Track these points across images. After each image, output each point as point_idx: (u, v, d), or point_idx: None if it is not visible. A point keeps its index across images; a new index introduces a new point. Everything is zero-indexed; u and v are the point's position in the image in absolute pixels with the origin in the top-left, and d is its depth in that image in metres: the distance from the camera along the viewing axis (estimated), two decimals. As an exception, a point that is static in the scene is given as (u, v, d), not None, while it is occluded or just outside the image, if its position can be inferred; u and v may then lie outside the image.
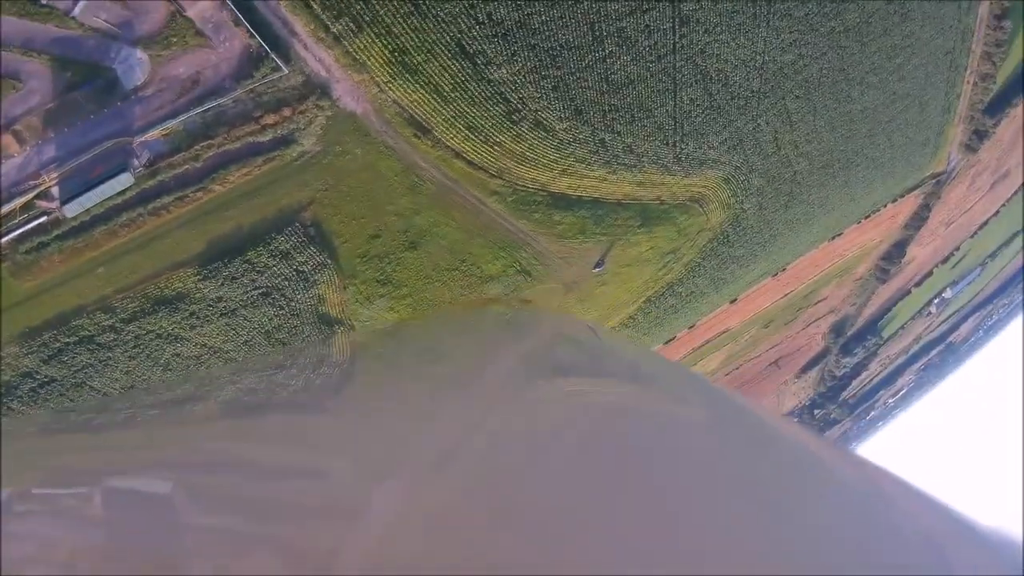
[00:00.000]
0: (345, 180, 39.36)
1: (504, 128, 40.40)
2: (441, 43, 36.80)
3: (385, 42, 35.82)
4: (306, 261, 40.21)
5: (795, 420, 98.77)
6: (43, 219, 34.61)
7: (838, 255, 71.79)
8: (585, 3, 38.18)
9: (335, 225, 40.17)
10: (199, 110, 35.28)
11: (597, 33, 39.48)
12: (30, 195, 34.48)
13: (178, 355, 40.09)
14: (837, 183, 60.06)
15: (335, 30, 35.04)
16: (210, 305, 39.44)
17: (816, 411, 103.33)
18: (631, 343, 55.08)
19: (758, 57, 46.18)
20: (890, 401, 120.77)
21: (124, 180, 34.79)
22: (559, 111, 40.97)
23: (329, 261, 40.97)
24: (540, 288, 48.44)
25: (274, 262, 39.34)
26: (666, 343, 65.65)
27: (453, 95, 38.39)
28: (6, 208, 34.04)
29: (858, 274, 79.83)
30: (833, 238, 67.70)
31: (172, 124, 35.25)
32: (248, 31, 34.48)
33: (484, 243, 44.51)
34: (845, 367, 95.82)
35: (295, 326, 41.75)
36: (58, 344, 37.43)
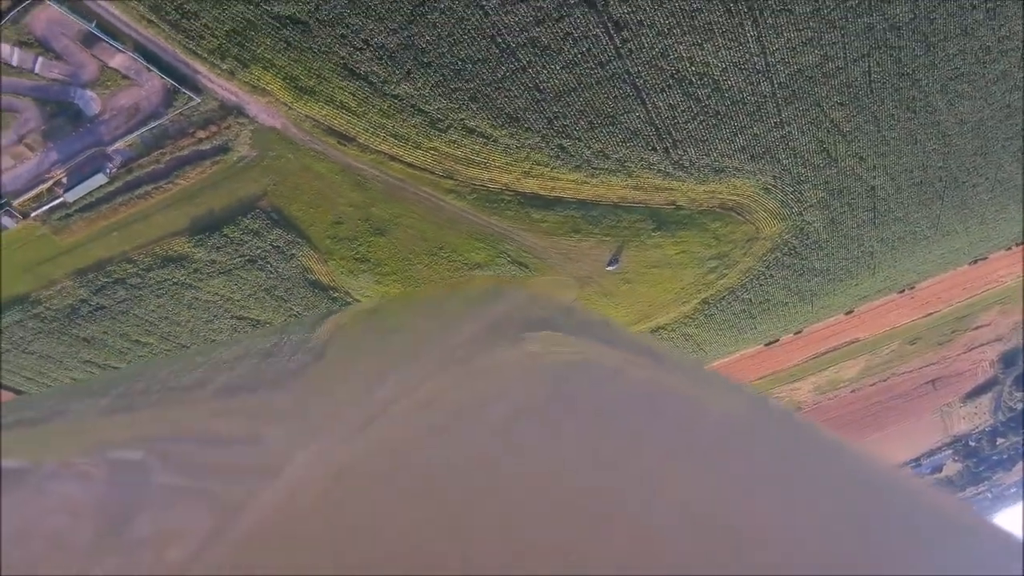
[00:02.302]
0: (289, 178, 48.12)
1: (432, 136, 45.20)
2: (327, 69, 42.60)
3: (273, 73, 43.14)
4: (277, 239, 51.61)
5: (971, 444, 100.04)
6: (59, 200, 51.36)
7: (990, 281, 72.99)
8: (473, 20, 40.47)
9: (295, 212, 50.21)
10: (145, 129, 47.05)
11: (502, 45, 41.62)
12: (49, 183, 51.22)
13: (197, 298, 56.17)
14: (947, 204, 59.14)
15: (225, 68, 43.66)
16: (208, 264, 53.05)
17: (999, 440, 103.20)
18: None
19: (755, 59, 44.25)
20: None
21: (99, 179, 49.11)
22: (488, 119, 44.43)
23: (300, 240, 51.86)
24: (545, 280, 53.78)
25: (248, 238, 51.03)
26: (767, 344, 72.47)
27: (362, 110, 44.34)
28: (35, 191, 51.51)
29: (1029, 303, 78.37)
30: (975, 261, 68.91)
31: (129, 138, 47.79)
32: (158, 74, 44.63)
33: (457, 234, 50.82)
34: (1020, 401, 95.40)
35: (289, 288, 54.60)
36: (100, 282, 55.19)
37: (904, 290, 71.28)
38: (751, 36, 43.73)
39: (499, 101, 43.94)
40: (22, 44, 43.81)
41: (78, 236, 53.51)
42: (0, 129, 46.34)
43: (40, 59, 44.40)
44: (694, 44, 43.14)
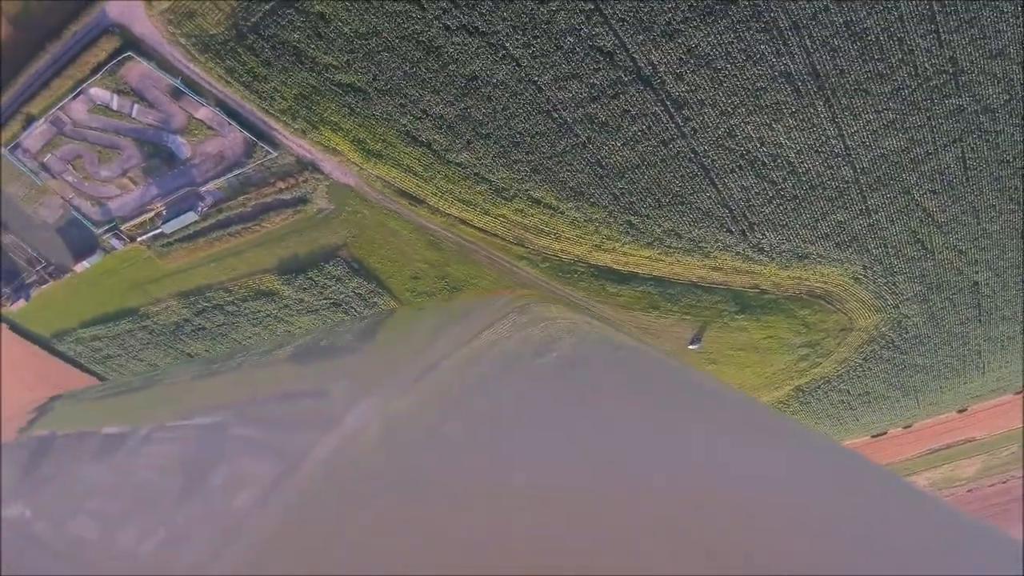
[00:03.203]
0: (366, 232, 51.08)
1: (498, 203, 46.83)
2: (391, 134, 44.95)
3: (341, 135, 46.06)
4: (358, 287, 55.20)
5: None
6: (158, 231, 57.45)
7: None
8: (527, 94, 41.85)
9: (375, 264, 53.40)
10: (230, 175, 51.89)
11: (558, 120, 42.59)
12: (150, 214, 57.45)
13: (288, 332, 59.98)
14: (1067, 305, 51.58)
15: (297, 127, 47.23)
16: (296, 302, 57.56)
17: None
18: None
19: (832, 142, 42.71)
20: None
21: (192, 216, 54.28)
22: (552, 192, 45.58)
23: (381, 290, 55.08)
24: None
25: (331, 283, 54.75)
26: (874, 436, 71.28)
27: (428, 175, 46.53)
28: (139, 219, 57.91)
29: None
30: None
31: (218, 182, 52.67)
32: (237, 128, 49.04)
33: (535, 297, 51.34)
34: None
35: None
36: (201, 305, 60.23)
37: (1020, 392, 68.41)
38: (825, 117, 42.26)
39: (561, 174, 45.04)
40: (120, 92, 49.30)
41: (179, 262, 59.46)
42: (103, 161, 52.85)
43: (136, 106, 49.92)
44: (763, 124, 42.38)
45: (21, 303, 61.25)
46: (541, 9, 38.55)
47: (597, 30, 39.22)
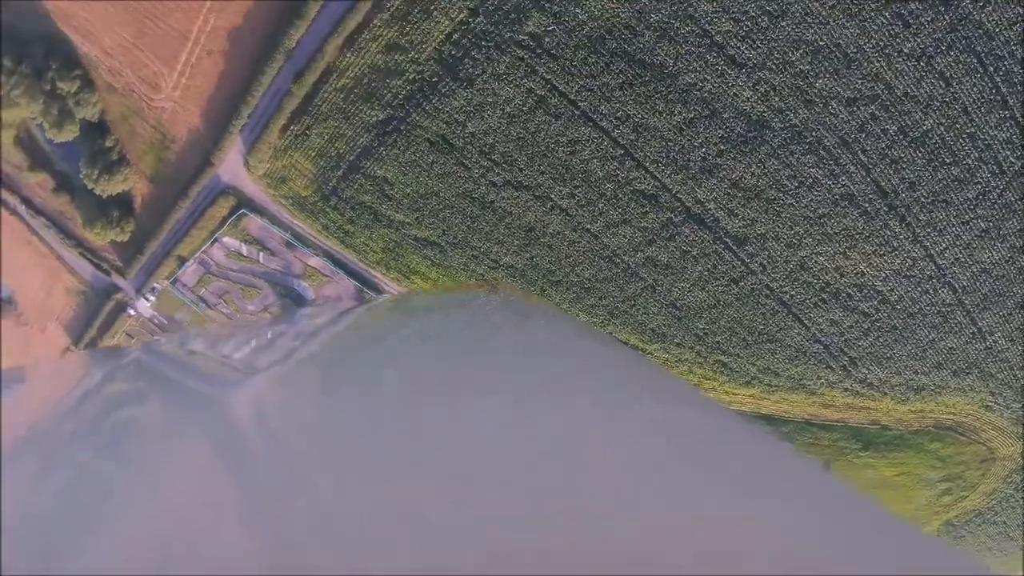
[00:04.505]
0: None
1: None
2: (471, 283, 45.66)
3: (430, 283, 47.15)
4: None
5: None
6: None
7: None
8: (583, 242, 41.71)
9: None
10: (350, 311, 55.43)
11: (621, 265, 42.02)
12: None
13: None
14: None
15: (391, 277, 49.07)
16: None
17: None
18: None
19: (921, 264, 39.77)
20: None
21: None
22: (635, 334, 44.60)
23: None
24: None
25: None
26: None
27: None
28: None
29: None
30: None
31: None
32: (343, 275, 52.21)
33: None
34: None
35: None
36: None
37: None
38: (905, 238, 38.81)
39: (638, 317, 44.08)
40: (246, 241, 54.15)
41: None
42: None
43: (261, 253, 54.62)
44: (836, 253, 39.50)
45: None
46: (573, 160, 38.61)
47: (633, 174, 38.66)
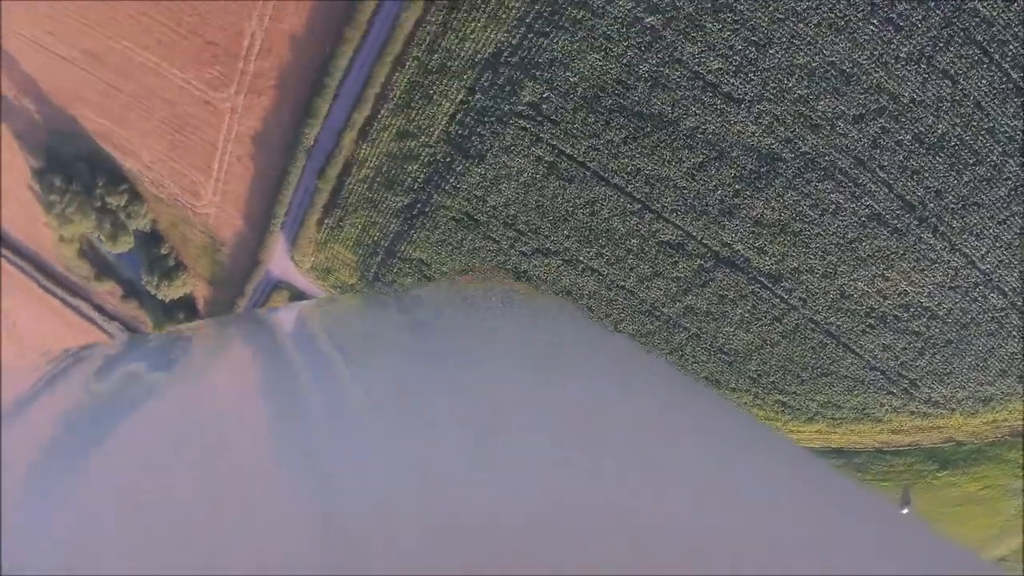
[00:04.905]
0: None
1: None
2: None
3: None
4: None
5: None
6: None
7: None
8: (620, 300, 41.56)
9: None
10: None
11: (662, 318, 41.79)
12: None
13: None
14: None
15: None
16: None
17: None
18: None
19: (964, 272, 38.58)
20: None
21: None
22: (692, 377, 42.81)
23: None
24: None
25: None
26: None
27: None
28: None
29: None
30: None
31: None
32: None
33: None
34: None
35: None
36: None
37: None
38: (942, 248, 37.56)
39: (690, 367, 43.33)
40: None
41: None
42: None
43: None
44: (876, 276, 38.38)
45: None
46: (594, 220, 38.79)
47: (656, 226, 38.58)
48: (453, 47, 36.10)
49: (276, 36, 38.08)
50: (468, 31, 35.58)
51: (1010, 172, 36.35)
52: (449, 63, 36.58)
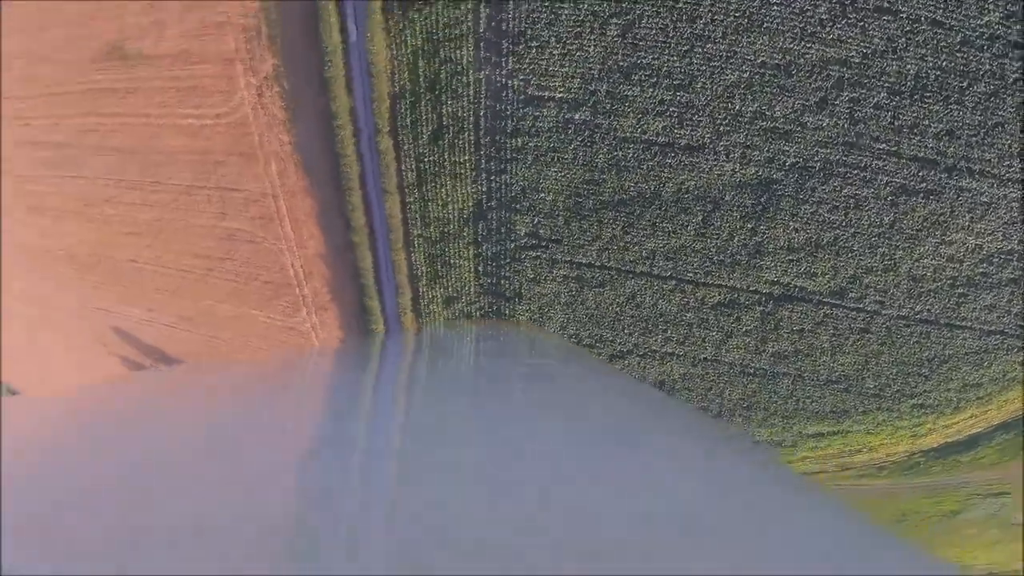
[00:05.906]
0: None
1: (791, 451, 43.87)
2: None
3: None
4: None
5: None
6: None
7: None
8: (711, 373, 41.39)
9: None
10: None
11: (757, 374, 41.32)
12: None
13: None
14: None
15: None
16: None
17: None
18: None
19: (995, 244, 36.27)
20: None
21: None
22: (817, 423, 42.91)
23: None
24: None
25: None
26: None
27: None
28: None
29: None
30: None
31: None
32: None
33: (912, 499, 48.16)
34: None
35: None
36: None
37: None
38: (989, 185, 35.79)
39: (810, 408, 42.01)
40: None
41: None
42: None
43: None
44: (938, 245, 36.94)
45: None
46: (643, 311, 39.93)
47: (700, 293, 39.18)
48: (441, 215, 38.55)
49: (310, 260, 41.75)
50: (444, 196, 37.98)
51: (1014, 69, 33.29)
52: (447, 229, 38.90)
